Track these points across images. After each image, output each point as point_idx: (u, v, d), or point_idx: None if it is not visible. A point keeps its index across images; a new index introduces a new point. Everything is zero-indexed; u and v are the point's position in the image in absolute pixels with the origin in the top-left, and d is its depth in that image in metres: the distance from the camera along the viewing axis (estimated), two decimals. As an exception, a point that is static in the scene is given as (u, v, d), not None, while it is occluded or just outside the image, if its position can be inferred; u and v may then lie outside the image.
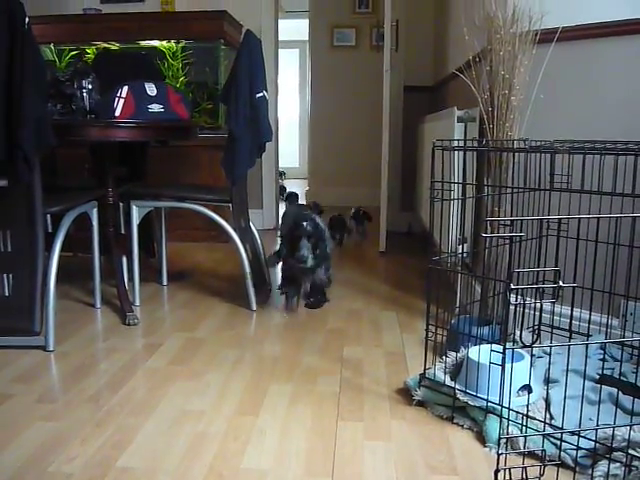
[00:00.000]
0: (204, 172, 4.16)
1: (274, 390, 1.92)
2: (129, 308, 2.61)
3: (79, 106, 2.63)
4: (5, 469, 1.46)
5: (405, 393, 1.88)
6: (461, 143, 2.41)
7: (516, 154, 2.13)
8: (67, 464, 1.49)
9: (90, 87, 2.67)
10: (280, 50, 4.97)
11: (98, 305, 2.76)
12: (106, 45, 4.44)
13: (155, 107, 2.61)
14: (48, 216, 2.71)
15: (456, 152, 2.31)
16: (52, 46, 4.45)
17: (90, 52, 4.46)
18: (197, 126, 3.12)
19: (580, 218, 1.77)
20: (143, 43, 4.41)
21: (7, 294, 2.31)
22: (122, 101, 2.50)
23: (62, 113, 2.62)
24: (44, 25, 4.07)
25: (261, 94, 2.69)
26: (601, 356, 1.95)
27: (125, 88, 2.51)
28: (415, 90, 4.78)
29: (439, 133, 2.97)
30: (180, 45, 4.36)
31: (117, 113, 2.49)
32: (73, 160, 3.44)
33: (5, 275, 2.32)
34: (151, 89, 2.63)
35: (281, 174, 8.14)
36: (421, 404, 1.81)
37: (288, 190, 5.79)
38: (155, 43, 4.37)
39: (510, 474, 1.21)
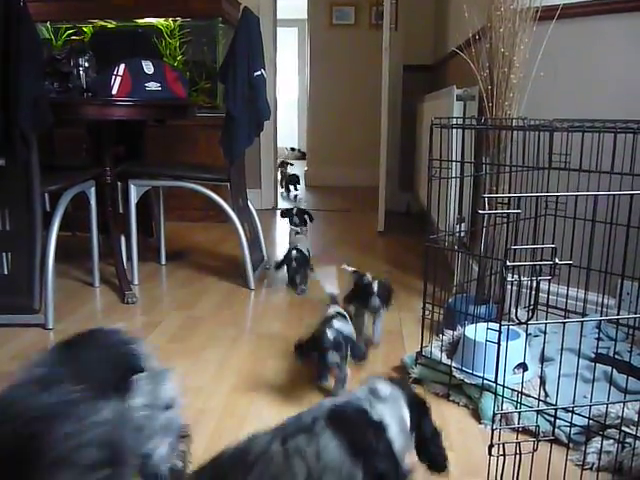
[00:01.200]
0: (202, 151, 4.15)
1: (272, 367, 1.93)
2: (128, 287, 2.62)
3: (76, 84, 2.61)
4: (5, 444, 1.47)
5: (402, 371, 1.90)
6: (460, 121, 2.40)
7: (515, 133, 2.13)
8: (66, 440, 1.50)
9: (87, 65, 2.65)
10: (279, 29, 4.92)
11: (97, 284, 2.77)
12: (103, 23, 4.39)
13: (152, 85, 2.60)
14: (46, 195, 2.71)
15: (454, 130, 2.30)
16: (48, 24, 4.40)
17: (87, 30, 4.42)
18: (195, 105, 3.11)
19: (577, 195, 1.77)
20: (140, 21, 4.37)
21: (6, 272, 2.32)
22: (119, 79, 2.48)
23: (59, 91, 2.60)
24: (40, 3, 4.02)
25: (259, 72, 2.67)
26: (596, 335, 1.96)
27: (122, 66, 2.49)
28: (414, 69, 4.75)
29: (438, 112, 2.95)
30: (178, 23, 4.32)
31: (114, 91, 2.47)
32: (70, 140, 3.42)
33: (4, 254, 2.33)
34: (148, 67, 2.61)
35: (292, 149, 8.07)
36: (418, 381, 1.82)
37: (290, 172, 5.73)
38: (152, 21, 4.33)
39: (504, 449, 1.23)
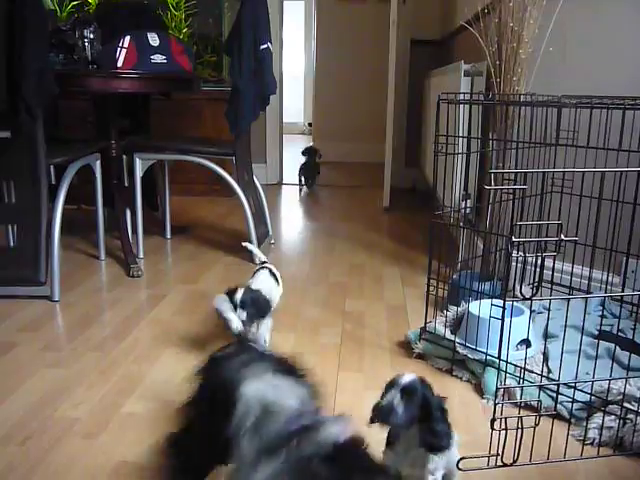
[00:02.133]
0: (207, 125, 4.13)
1: (277, 340, 1.95)
2: (133, 260, 2.63)
3: (81, 56, 2.60)
4: (13, 413, 1.50)
5: (406, 346, 1.91)
6: (467, 97, 2.38)
7: (522, 109, 2.11)
8: (73, 409, 1.52)
9: (92, 37, 2.63)
10: (285, 2, 4.86)
11: (102, 257, 2.78)
12: (108, -6, 4.34)
13: (158, 58, 2.58)
14: (51, 168, 2.71)
15: (461, 106, 2.28)
16: (53, -5, 4.36)
17: (92, 1, 4.36)
18: (201, 78, 3.08)
19: (584, 172, 1.76)
20: (146, -8, 4.31)
21: (12, 245, 2.33)
22: (124, 51, 2.47)
23: (64, 63, 2.59)
24: (44, -27, 3.98)
25: (265, 46, 2.65)
26: (600, 313, 1.96)
27: (127, 38, 2.47)
28: (422, 44, 4.69)
29: (445, 87, 2.92)
30: (183, -5, 4.27)
31: (119, 64, 2.46)
32: (75, 113, 3.41)
33: (10, 226, 2.34)
34: (154, 39, 2.59)
35: (310, 125, 7.73)
36: (421, 357, 1.83)
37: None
38: (158, -8, 4.27)
39: (506, 423, 1.24)
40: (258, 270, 2.03)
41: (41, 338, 1.94)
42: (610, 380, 1.43)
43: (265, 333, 1.81)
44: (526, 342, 1.74)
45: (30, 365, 1.76)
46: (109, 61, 2.47)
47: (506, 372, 1.55)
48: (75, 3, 4.36)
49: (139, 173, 2.74)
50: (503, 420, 1.24)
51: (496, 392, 1.53)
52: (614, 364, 1.56)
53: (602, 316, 1.92)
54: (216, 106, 3.98)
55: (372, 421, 1.11)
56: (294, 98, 8.43)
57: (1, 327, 2.02)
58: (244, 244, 2.27)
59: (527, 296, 1.28)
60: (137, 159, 2.73)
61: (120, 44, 2.46)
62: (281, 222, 3.65)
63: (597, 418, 1.42)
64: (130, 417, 1.49)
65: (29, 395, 1.59)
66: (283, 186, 4.84)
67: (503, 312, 1.30)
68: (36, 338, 1.94)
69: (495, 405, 1.24)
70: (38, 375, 1.70)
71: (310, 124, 7.35)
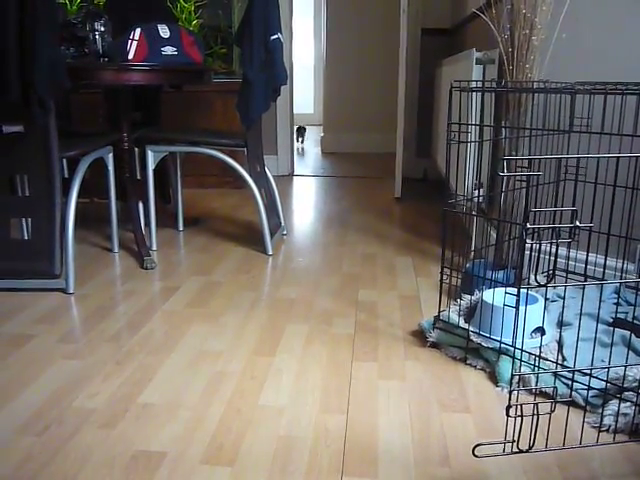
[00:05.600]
0: (218, 117, 4.13)
1: (290, 331, 1.95)
2: (146, 252, 2.64)
3: (92, 49, 2.60)
4: (30, 404, 1.52)
5: (419, 335, 1.91)
6: (480, 85, 2.36)
7: (535, 96, 2.09)
8: (90, 400, 1.54)
9: (102, 30, 2.64)
10: (294, -8, 4.85)
11: (116, 250, 2.80)
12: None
13: (169, 50, 2.58)
14: (64, 162, 2.72)
15: (474, 94, 2.27)
16: (63, -12, 4.37)
17: (101, -6, 4.37)
18: (211, 70, 3.08)
19: (599, 158, 1.75)
20: (155, -15, 4.31)
21: (27, 237, 2.35)
22: (135, 44, 2.47)
23: (75, 56, 2.59)
24: (54, -33, 3.98)
25: (276, 36, 2.64)
26: (615, 300, 1.95)
27: (138, 30, 2.47)
28: (433, 33, 4.66)
29: (457, 76, 2.91)
30: (192, -14, 4.27)
31: (130, 56, 2.46)
32: (87, 106, 3.43)
33: (24, 219, 2.36)
34: (164, 31, 2.59)
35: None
36: (435, 346, 1.83)
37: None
38: (167, -15, 4.27)
39: (522, 410, 1.24)
40: None
41: (57, 330, 1.96)
42: (626, 367, 1.43)
43: None
44: (541, 330, 1.73)
45: (47, 357, 1.77)
46: (120, 54, 2.48)
47: (521, 360, 1.55)
48: (85, -4, 4.38)
49: (151, 165, 2.75)
50: (519, 407, 1.24)
51: (511, 379, 1.52)
52: (629, 351, 1.56)
53: (617, 304, 1.91)
54: (227, 98, 3.99)
55: None
56: (304, 89, 8.41)
57: (17, 319, 2.04)
58: None
59: (542, 284, 1.27)
60: (149, 151, 2.74)
61: (131, 37, 2.46)
62: (293, 213, 3.65)
63: (612, 405, 1.41)
64: (146, 407, 1.51)
65: (47, 386, 1.60)
66: (294, 177, 4.84)
67: (517, 300, 1.29)
68: (52, 330, 1.96)
69: (510, 392, 1.24)
70: (55, 366, 1.71)
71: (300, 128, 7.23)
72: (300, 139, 6.67)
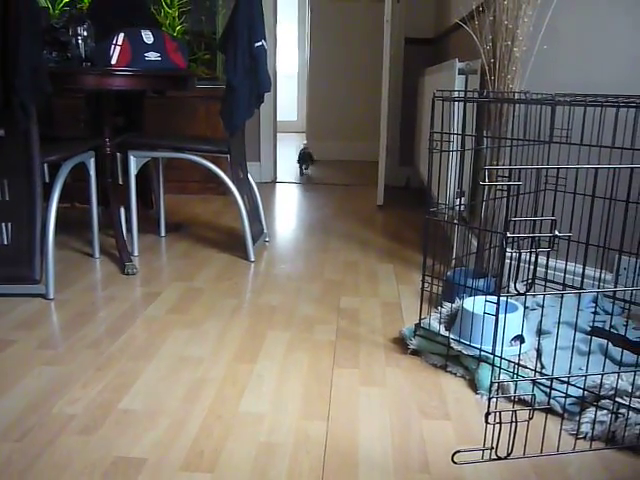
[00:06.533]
0: (201, 123, 4.13)
1: (271, 338, 1.95)
2: (128, 258, 2.63)
3: (75, 54, 2.60)
4: (10, 410, 1.50)
5: (400, 342, 1.92)
6: (462, 95, 2.39)
7: (516, 106, 2.12)
8: (70, 406, 1.52)
9: (85, 34, 2.63)
10: (279, 0, 4.86)
11: (97, 255, 2.78)
12: (101, -8, 4.33)
13: (152, 55, 2.58)
14: (45, 166, 2.70)
15: (456, 104, 2.30)
16: (46, -8, 4.35)
17: (85, -1, 4.36)
18: (195, 76, 3.09)
19: (578, 168, 1.78)
20: (139, -10, 4.30)
21: (6, 242, 2.32)
22: (118, 49, 2.47)
23: (57, 61, 2.58)
24: (37, -30, 3.96)
25: (260, 43, 2.65)
26: (593, 309, 1.98)
27: (121, 35, 2.47)
28: (416, 42, 4.71)
29: (440, 85, 2.94)
30: (177, -8, 4.27)
31: (113, 61, 2.46)
32: (69, 111, 3.41)
33: (4, 224, 2.33)
34: (148, 37, 2.59)
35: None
36: (416, 353, 1.84)
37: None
38: (151, -10, 4.27)
39: (500, 417, 1.25)
40: None
41: (37, 336, 1.94)
42: (603, 375, 1.45)
43: None
44: (520, 338, 1.75)
45: (26, 362, 1.76)
46: (103, 58, 2.47)
47: (500, 367, 1.57)
48: (67, 0, 4.36)
49: (133, 171, 2.74)
50: (497, 414, 1.25)
51: (490, 386, 1.54)
52: (606, 360, 1.58)
53: (595, 313, 1.94)
54: (210, 104, 3.99)
55: None
56: (287, 96, 8.43)
57: (-4, 325, 2.02)
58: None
59: (521, 292, 1.29)
60: (131, 157, 2.73)
61: (114, 41, 2.46)
62: (275, 220, 3.65)
63: (590, 412, 1.43)
64: (127, 413, 1.50)
65: (26, 392, 1.59)
66: (277, 184, 4.84)
67: (497, 308, 1.31)
68: (32, 336, 1.94)
69: (489, 399, 1.25)
70: (34, 372, 1.70)
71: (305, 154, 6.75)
72: (304, 165, 5.46)
